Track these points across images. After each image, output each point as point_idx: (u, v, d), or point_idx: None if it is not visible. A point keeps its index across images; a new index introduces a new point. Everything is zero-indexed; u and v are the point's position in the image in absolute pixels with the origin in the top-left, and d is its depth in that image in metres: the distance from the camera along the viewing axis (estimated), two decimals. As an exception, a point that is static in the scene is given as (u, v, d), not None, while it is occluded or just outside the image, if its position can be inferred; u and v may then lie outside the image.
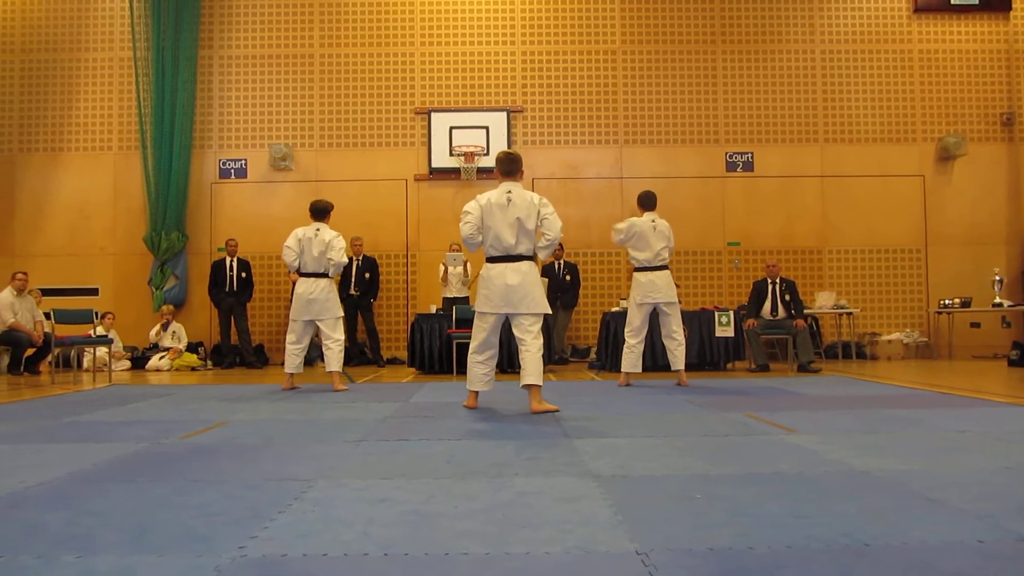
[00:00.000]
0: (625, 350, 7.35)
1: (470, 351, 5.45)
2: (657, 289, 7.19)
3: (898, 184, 12.06)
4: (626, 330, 7.38)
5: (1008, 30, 12.26)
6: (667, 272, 7.31)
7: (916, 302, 12.01)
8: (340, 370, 7.31)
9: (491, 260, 5.36)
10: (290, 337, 7.33)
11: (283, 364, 7.46)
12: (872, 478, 3.07)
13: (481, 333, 5.38)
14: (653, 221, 7.27)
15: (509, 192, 5.31)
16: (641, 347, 7.34)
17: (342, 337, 7.35)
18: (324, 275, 7.23)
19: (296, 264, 7.25)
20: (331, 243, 7.18)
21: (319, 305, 7.16)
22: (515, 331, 5.34)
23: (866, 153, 12.10)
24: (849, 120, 12.15)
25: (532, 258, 5.38)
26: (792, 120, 12.14)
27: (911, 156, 12.13)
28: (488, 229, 5.31)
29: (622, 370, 7.38)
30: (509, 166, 5.45)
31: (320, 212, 7.35)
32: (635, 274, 7.35)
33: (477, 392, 5.50)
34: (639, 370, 7.36)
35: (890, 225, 12.02)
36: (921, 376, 8.42)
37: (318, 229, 7.22)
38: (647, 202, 7.40)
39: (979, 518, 2.46)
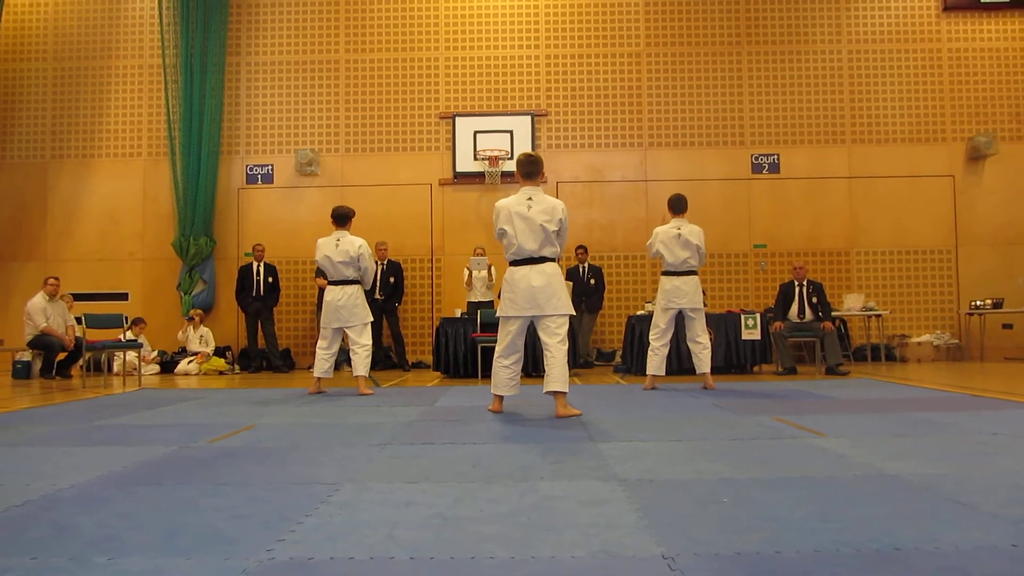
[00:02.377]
0: (649, 353, 7.32)
1: (496, 355, 5.41)
2: (682, 294, 7.15)
3: (927, 184, 11.91)
4: (651, 333, 7.34)
5: (1039, 27, 12.08)
6: (694, 278, 7.24)
7: (946, 303, 11.85)
8: (366, 375, 7.36)
9: (514, 264, 5.32)
10: (321, 343, 7.36)
11: (310, 368, 7.52)
12: (902, 482, 3.03)
13: (507, 337, 5.34)
14: (679, 228, 7.20)
15: (530, 198, 5.28)
16: (665, 350, 7.29)
17: (369, 342, 7.39)
18: (353, 281, 7.27)
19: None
20: (360, 255, 7.22)
21: (347, 311, 7.20)
22: (541, 335, 5.28)
23: (894, 153, 11.96)
24: (877, 120, 12.02)
25: (555, 260, 5.35)
26: (819, 121, 12.03)
27: (940, 156, 11.98)
28: (509, 235, 5.28)
29: (647, 373, 7.35)
30: (530, 168, 5.40)
31: (342, 218, 7.36)
32: (662, 278, 7.34)
33: (502, 396, 5.45)
34: (663, 373, 7.32)
35: (919, 226, 11.87)
36: (952, 378, 8.30)
37: (339, 239, 7.24)
38: (677, 206, 7.34)
39: (1012, 523, 2.42)
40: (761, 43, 12.10)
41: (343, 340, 7.62)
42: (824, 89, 12.06)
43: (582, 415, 5.22)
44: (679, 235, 7.18)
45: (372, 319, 7.48)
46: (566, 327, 5.29)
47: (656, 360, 7.25)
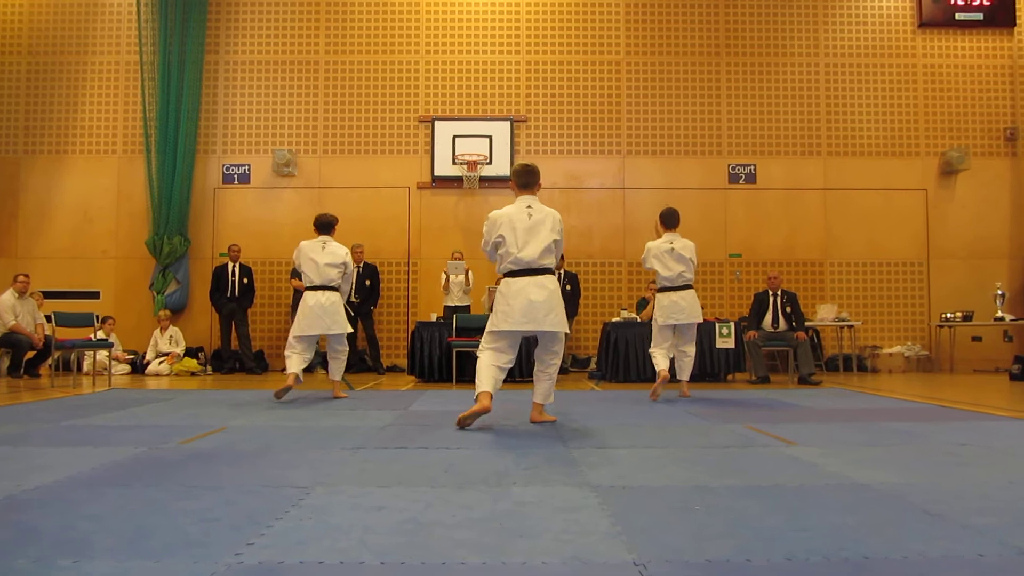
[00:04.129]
0: (655, 354, 7.17)
1: (479, 357, 5.07)
2: (680, 310, 7.08)
3: (901, 197, 12.06)
4: (653, 350, 7.23)
5: (1012, 45, 12.28)
6: (691, 292, 7.17)
7: (918, 315, 11.99)
8: (341, 379, 7.33)
9: (511, 275, 5.09)
10: (295, 347, 7.08)
11: (284, 371, 7.30)
12: (872, 491, 3.06)
13: (499, 349, 5.07)
14: (671, 243, 7.12)
15: (529, 207, 5.15)
16: (667, 351, 7.17)
17: (347, 348, 7.37)
18: (334, 288, 7.12)
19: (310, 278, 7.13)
20: (346, 262, 7.15)
21: (331, 318, 7.01)
22: (540, 352, 5.16)
23: (869, 166, 12.10)
24: (852, 133, 12.16)
25: (553, 272, 5.18)
26: (795, 132, 12.15)
27: (914, 170, 12.14)
28: (508, 243, 5.06)
29: (659, 368, 7.02)
30: (527, 178, 5.26)
31: (326, 227, 7.24)
32: (658, 294, 7.27)
33: (491, 392, 4.94)
34: (665, 366, 7.05)
35: (892, 238, 12.02)
36: (922, 389, 8.40)
37: (324, 243, 7.14)
38: (669, 220, 7.24)
39: (980, 532, 2.45)
40: (740, 54, 12.20)
41: (318, 343, 7.56)
42: (801, 101, 12.18)
43: (556, 421, 5.22)
44: (672, 249, 7.11)
45: (352, 330, 7.40)
46: (562, 343, 5.20)
47: (661, 358, 7.09)
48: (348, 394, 7.44)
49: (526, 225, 5.08)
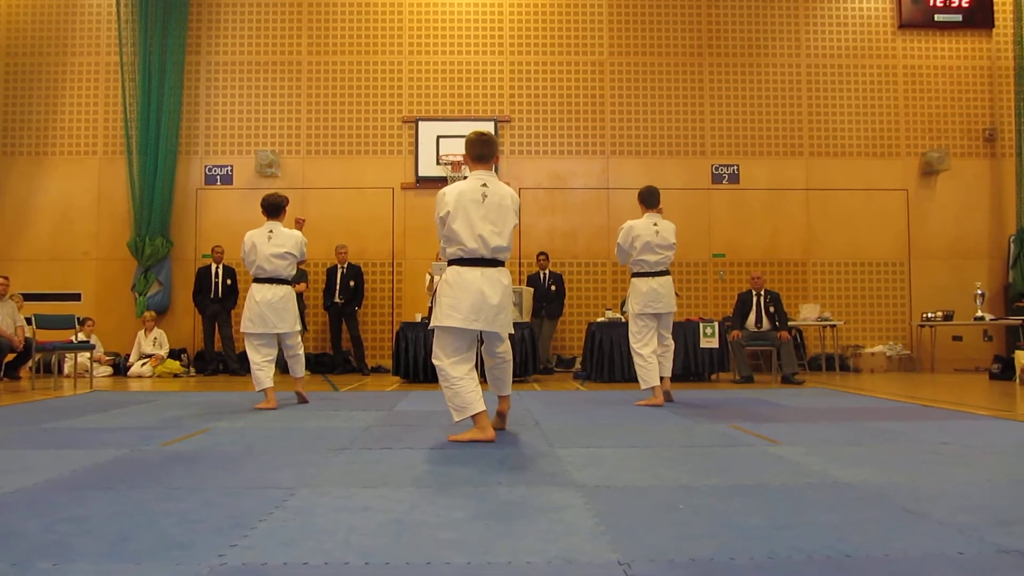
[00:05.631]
0: (639, 364, 6.52)
1: (451, 376, 4.33)
2: (659, 298, 6.51)
3: (882, 198, 12.15)
4: (633, 343, 6.59)
5: (990, 47, 12.40)
6: (668, 279, 6.64)
7: (899, 315, 12.09)
8: (304, 375, 6.85)
9: (460, 263, 4.39)
10: (254, 357, 6.33)
11: (288, 375, 6.86)
12: (854, 490, 3.08)
13: (454, 350, 4.38)
14: (655, 224, 6.60)
15: (484, 184, 4.44)
16: (655, 356, 6.53)
17: (301, 343, 6.78)
18: (283, 281, 6.43)
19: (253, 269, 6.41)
20: (291, 254, 6.42)
21: (278, 316, 6.33)
22: (485, 353, 4.64)
23: (851, 167, 12.19)
24: (834, 134, 12.24)
25: (504, 263, 4.54)
26: (778, 133, 12.22)
27: (895, 170, 12.23)
28: (456, 228, 4.35)
29: (648, 386, 6.47)
30: (482, 149, 4.54)
31: (273, 208, 6.48)
32: (633, 280, 6.64)
33: (484, 410, 4.36)
34: (668, 374, 6.68)
35: (874, 238, 12.10)
36: (904, 389, 8.46)
37: (271, 231, 6.41)
38: (650, 199, 6.70)
39: (960, 530, 2.47)
40: (722, 55, 12.25)
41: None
42: (783, 102, 12.24)
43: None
44: (657, 232, 6.58)
45: (304, 328, 6.84)
46: (507, 341, 4.67)
47: (652, 368, 6.46)
48: (311, 397, 6.92)
49: (480, 206, 4.37)
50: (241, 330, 6.50)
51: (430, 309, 10.36)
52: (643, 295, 6.55)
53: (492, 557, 2.19)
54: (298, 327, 6.60)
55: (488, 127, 11.81)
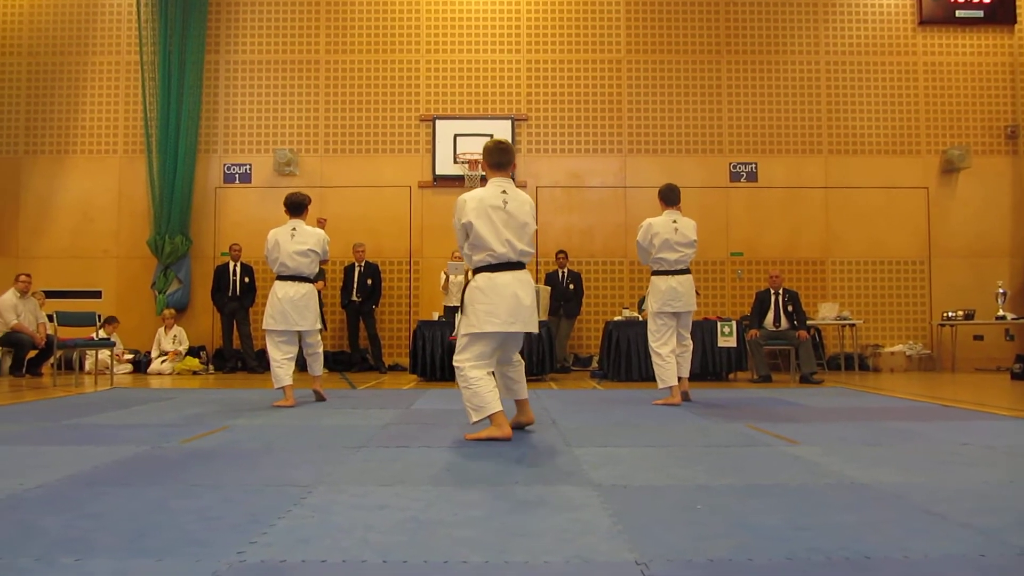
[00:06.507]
0: (657, 363, 6.49)
1: (468, 371, 4.39)
2: (678, 296, 6.46)
3: (902, 196, 12.05)
4: (652, 342, 6.54)
5: (1013, 43, 12.27)
6: (689, 277, 6.58)
7: (919, 314, 11.98)
8: (322, 374, 6.88)
9: (491, 269, 4.46)
10: (274, 354, 6.39)
11: (307, 372, 6.87)
12: (874, 490, 3.06)
13: (481, 355, 4.43)
14: (675, 221, 6.57)
15: (504, 192, 4.53)
16: (674, 356, 6.49)
17: (321, 341, 6.83)
18: (304, 278, 6.49)
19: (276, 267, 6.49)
20: (314, 251, 6.48)
21: (299, 313, 6.38)
22: (500, 361, 4.62)
23: (870, 165, 12.09)
24: (853, 131, 12.15)
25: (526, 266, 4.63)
26: (796, 131, 12.14)
27: (915, 168, 12.12)
28: (480, 233, 4.43)
29: (666, 385, 6.45)
30: (500, 157, 4.64)
31: (297, 207, 6.56)
32: (653, 278, 6.60)
33: (502, 410, 4.41)
34: (686, 375, 6.65)
35: (894, 237, 12.01)
36: (923, 388, 8.39)
37: (294, 229, 6.47)
38: (671, 196, 6.68)
39: (981, 532, 2.45)
40: (740, 52, 12.19)
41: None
42: (802, 99, 12.16)
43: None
44: (676, 229, 6.53)
45: (324, 328, 6.90)
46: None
47: (670, 367, 6.43)
48: (328, 395, 6.96)
49: (501, 212, 4.45)
50: (263, 327, 6.56)
51: (446, 308, 10.43)
52: (662, 293, 6.51)
53: (509, 556, 2.19)
54: (319, 325, 6.64)
55: (505, 125, 11.83)
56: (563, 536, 2.39)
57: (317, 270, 6.68)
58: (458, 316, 4.67)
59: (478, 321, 4.39)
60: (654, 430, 4.90)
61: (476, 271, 4.53)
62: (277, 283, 6.46)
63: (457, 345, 4.53)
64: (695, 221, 6.78)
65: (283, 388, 6.37)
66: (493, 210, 4.44)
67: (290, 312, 6.36)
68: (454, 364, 4.50)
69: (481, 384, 4.35)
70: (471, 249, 4.52)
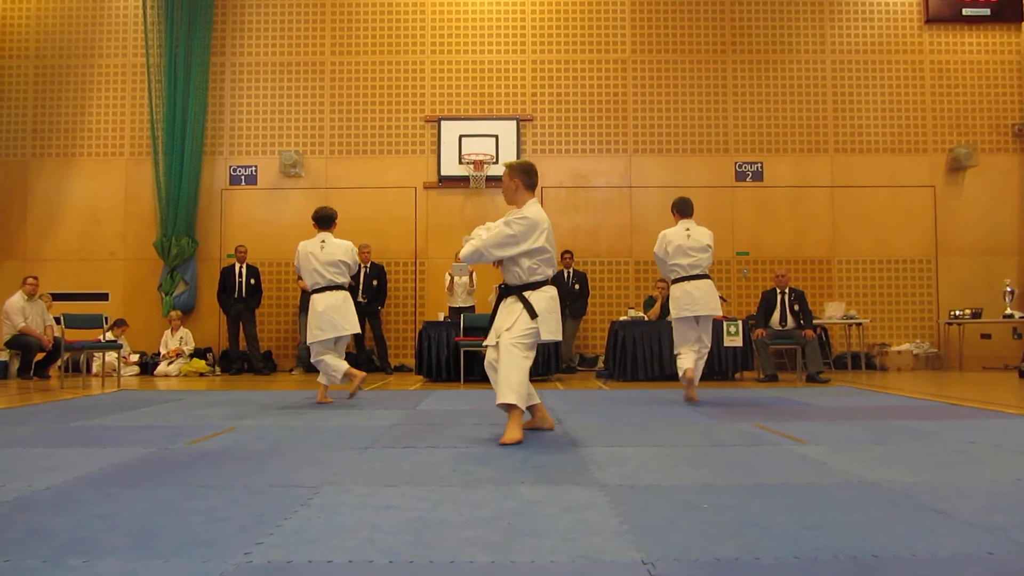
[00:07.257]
0: (681, 352, 6.69)
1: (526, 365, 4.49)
2: (694, 300, 6.54)
3: (909, 194, 12.02)
4: (675, 348, 6.77)
5: (1020, 41, 12.22)
6: (706, 281, 6.66)
7: (926, 313, 11.95)
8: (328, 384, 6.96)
9: (548, 283, 4.73)
10: (327, 358, 6.69)
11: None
12: (881, 489, 3.05)
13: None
14: (688, 229, 6.75)
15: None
16: (693, 352, 6.65)
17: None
18: (339, 287, 6.75)
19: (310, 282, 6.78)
20: (345, 263, 6.77)
21: (342, 317, 6.65)
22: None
23: (876, 163, 12.06)
24: (859, 130, 12.12)
25: None
26: (802, 130, 12.12)
27: (922, 166, 12.09)
28: (552, 254, 4.68)
29: (683, 368, 6.58)
30: (535, 179, 4.77)
31: (325, 220, 6.87)
32: (671, 287, 6.80)
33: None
34: (691, 364, 6.61)
35: (900, 235, 11.97)
36: (931, 387, 8.37)
37: (323, 241, 6.76)
38: (684, 208, 6.89)
39: (989, 531, 2.44)
40: (746, 52, 12.17)
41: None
42: (807, 98, 12.14)
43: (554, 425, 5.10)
44: (689, 236, 6.72)
45: (360, 329, 7.14)
46: None
47: (687, 358, 6.61)
48: (332, 396, 7.02)
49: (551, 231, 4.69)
50: (308, 341, 6.78)
51: (450, 309, 10.41)
52: (678, 299, 6.66)
53: (516, 556, 2.19)
54: (358, 329, 6.92)
55: (510, 126, 11.85)
56: (569, 536, 2.39)
57: (348, 280, 6.94)
58: (523, 314, 4.57)
59: (555, 330, 4.62)
60: (660, 430, 4.89)
61: (539, 286, 4.62)
62: (315, 296, 6.71)
63: (523, 340, 4.47)
64: (710, 231, 6.90)
65: (346, 372, 6.64)
66: (551, 231, 4.65)
67: (336, 319, 6.64)
68: (512, 356, 4.40)
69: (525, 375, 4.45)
70: (540, 264, 4.61)
